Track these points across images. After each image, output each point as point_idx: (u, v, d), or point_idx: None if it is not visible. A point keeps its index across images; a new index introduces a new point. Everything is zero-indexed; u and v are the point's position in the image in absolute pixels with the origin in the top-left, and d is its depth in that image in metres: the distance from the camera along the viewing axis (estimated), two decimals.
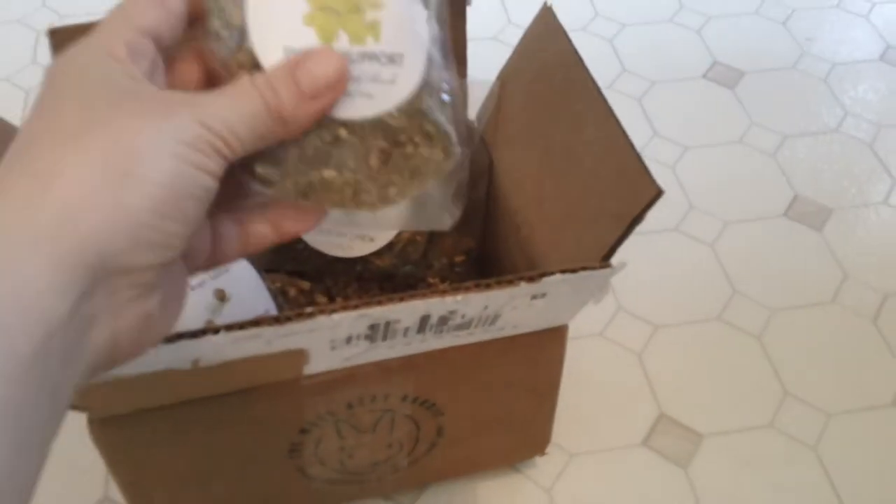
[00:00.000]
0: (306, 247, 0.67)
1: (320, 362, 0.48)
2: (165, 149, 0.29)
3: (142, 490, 0.56)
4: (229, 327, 0.40)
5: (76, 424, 0.47)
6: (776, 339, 0.79)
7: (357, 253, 0.68)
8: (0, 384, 0.24)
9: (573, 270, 0.44)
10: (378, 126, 0.36)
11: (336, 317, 0.41)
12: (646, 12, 1.15)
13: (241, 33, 0.35)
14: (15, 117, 0.89)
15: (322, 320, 0.41)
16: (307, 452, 0.58)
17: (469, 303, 0.44)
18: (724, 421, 0.74)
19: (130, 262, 0.28)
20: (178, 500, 0.58)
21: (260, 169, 0.35)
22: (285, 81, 0.33)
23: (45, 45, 0.99)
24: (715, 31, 1.12)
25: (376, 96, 0.36)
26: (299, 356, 0.46)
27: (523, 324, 0.51)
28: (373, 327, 0.45)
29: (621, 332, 0.80)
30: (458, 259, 0.72)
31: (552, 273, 0.44)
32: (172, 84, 0.34)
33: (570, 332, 0.57)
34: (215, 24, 0.35)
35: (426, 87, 0.37)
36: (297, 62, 0.33)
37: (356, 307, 0.42)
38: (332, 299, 0.70)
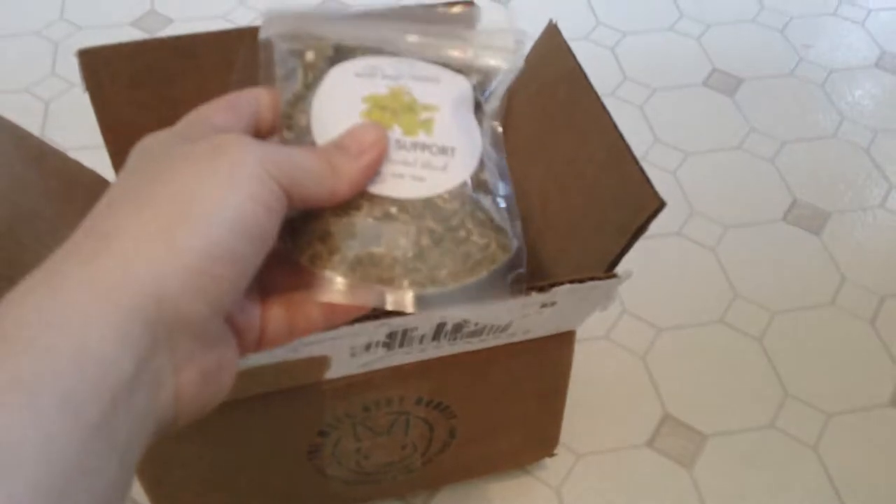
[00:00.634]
0: None
1: (340, 368, 0.50)
2: (222, 182, 0.30)
3: (167, 490, 0.58)
4: None
5: None
6: (777, 341, 0.82)
7: None
8: (70, 451, 0.24)
9: (581, 280, 0.47)
10: (429, 206, 0.37)
11: (357, 326, 0.44)
12: (646, 21, 1.17)
13: (306, 132, 0.38)
14: (35, 126, 0.93)
15: (344, 329, 0.43)
16: (326, 453, 0.60)
17: (481, 311, 0.47)
18: (727, 421, 0.76)
19: (186, 307, 0.29)
20: (202, 499, 0.61)
21: (311, 245, 0.36)
22: (335, 147, 0.35)
23: (63, 57, 1.02)
24: (714, 39, 1.15)
25: (427, 180, 0.37)
26: (322, 362, 0.48)
27: (533, 330, 0.53)
28: (391, 335, 0.47)
29: (626, 334, 0.82)
30: None
31: (561, 283, 0.46)
32: None
33: (577, 335, 0.60)
34: (284, 133, 0.38)
35: (479, 183, 0.38)
36: (344, 134, 0.36)
37: (377, 317, 0.44)
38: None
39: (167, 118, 0.52)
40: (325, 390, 0.54)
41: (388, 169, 0.37)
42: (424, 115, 0.38)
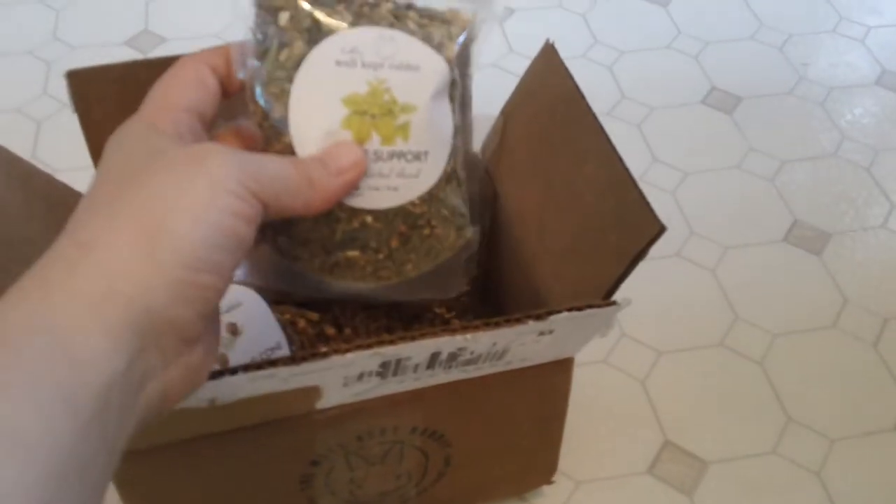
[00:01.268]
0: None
1: (332, 398, 0.49)
2: (201, 197, 0.30)
3: None
4: (246, 367, 0.41)
5: None
6: (778, 365, 0.80)
7: None
8: (68, 442, 0.26)
9: (579, 308, 0.45)
10: (400, 213, 0.40)
11: (350, 356, 0.42)
12: (644, 39, 1.16)
13: (283, 125, 0.38)
14: (26, 147, 0.92)
15: (336, 359, 0.42)
16: (318, 483, 0.59)
17: (478, 340, 0.45)
18: (728, 448, 0.74)
19: (174, 315, 0.30)
20: None
21: (291, 249, 0.38)
22: (315, 161, 0.37)
23: (56, 76, 1.01)
24: (712, 57, 1.14)
25: (401, 189, 0.40)
26: (313, 392, 0.47)
27: (530, 358, 0.52)
28: (384, 365, 0.46)
29: (625, 358, 0.81)
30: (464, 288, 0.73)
31: (559, 311, 0.45)
32: None
33: (576, 359, 0.58)
34: (259, 112, 0.39)
35: (448, 177, 0.42)
36: (325, 151, 0.37)
37: (369, 346, 0.43)
38: (340, 329, 0.70)
39: None
40: (316, 420, 0.52)
41: (365, 182, 0.39)
42: (402, 118, 0.39)
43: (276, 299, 0.67)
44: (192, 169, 0.31)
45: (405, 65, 0.40)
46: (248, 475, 0.56)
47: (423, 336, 0.43)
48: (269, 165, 0.34)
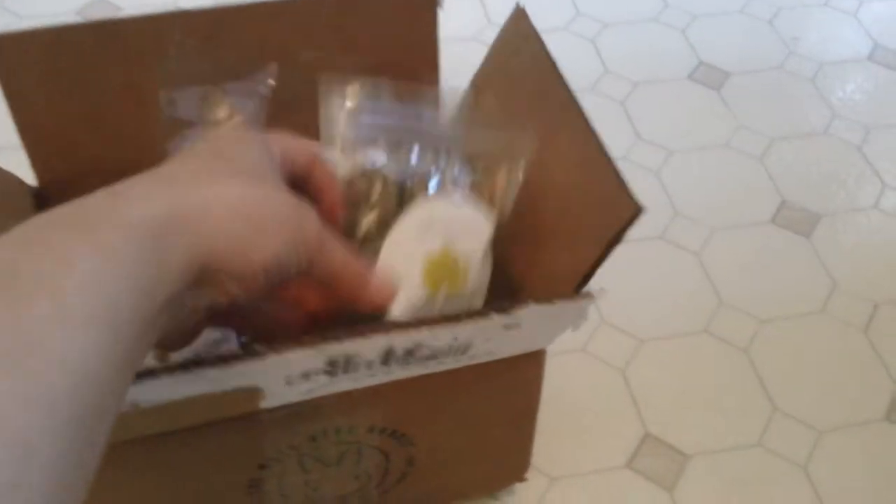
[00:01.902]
0: None
1: (276, 397, 0.45)
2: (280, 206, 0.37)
3: None
4: (170, 369, 0.37)
5: None
6: (764, 352, 0.76)
7: None
8: (131, 331, 0.29)
9: (549, 300, 0.41)
10: None
11: (290, 355, 0.38)
12: (629, 11, 1.12)
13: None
14: None
15: (273, 359, 0.38)
16: (269, 487, 0.54)
17: (437, 336, 0.41)
18: (711, 440, 0.71)
19: (228, 267, 0.34)
20: None
21: None
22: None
23: None
24: (700, 31, 1.09)
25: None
26: (253, 393, 0.43)
27: (498, 351, 0.47)
28: (332, 363, 0.41)
29: (604, 346, 0.76)
30: None
31: (525, 304, 0.41)
32: None
33: (550, 348, 0.54)
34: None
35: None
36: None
37: (312, 344, 0.38)
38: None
39: (89, 115, 0.46)
40: (263, 420, 0.48)
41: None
42: (462, 262, 0.49)
43: None
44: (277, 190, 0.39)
45: (467, 229, 0.50)
46: (186, 481, 0.51)
47: (373, 332, 0.39)
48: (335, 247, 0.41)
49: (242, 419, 0.47)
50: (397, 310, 0.45)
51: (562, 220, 0.50)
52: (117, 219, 0.30)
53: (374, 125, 0.54)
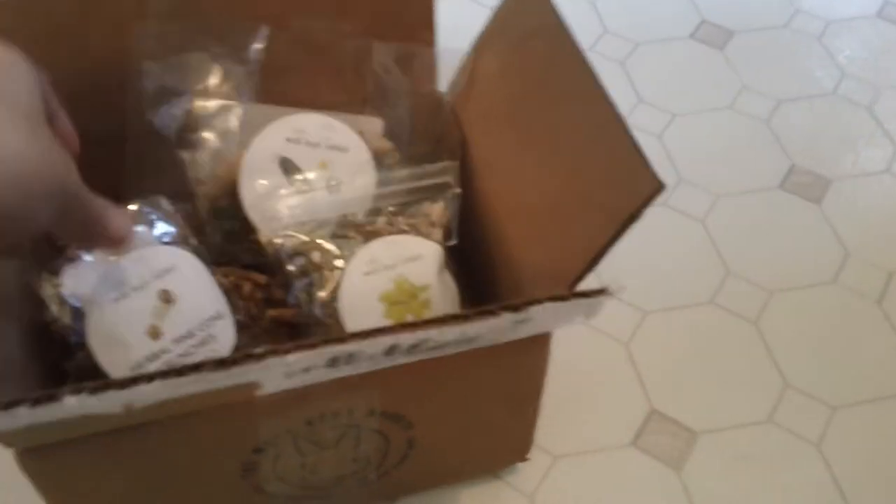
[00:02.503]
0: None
1: (274, 387, 0.42)
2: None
3: None
4: (165, 374, 0.34)
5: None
6: (774, 324, 0.74)
7: None
8: None
9: (563, 298, 0.38)
10: None
11: (291, 357, 0.35)
12: None
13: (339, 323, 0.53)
14: None
15: (274, 361, 0.35)
16: (264, 470, 0.52)
17: (444, 334, 0.38)
18: (720, 416, 0.68)
19: None
20: None
21: None
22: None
23: None
24: None
25: None
26: (250, 387, 0.40)
27: (504, 339, 0.44)
28: (334, 360, 0.38)
29: (607, 319, 0.72)
30: None
31: (539, 301, 0.38)
32: None
33: None
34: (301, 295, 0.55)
35: None
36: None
37: (314, 346, 0.35)
38: (289, 290, 0.63)
39: (68, 86, 0.42)
40: (257, 405, 0.45)
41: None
42: (423, 295, 0.53)
43: (218, 260, 0.60)
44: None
45: (412, 257, 0.54)
46: (179, 467, 0.49)
47: (378, 333, 0.36)
48: None
49: (237, 405, 0.44)
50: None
51: (572, 195, 0.47)
52: None
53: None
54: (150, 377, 0.34)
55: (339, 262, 0.54)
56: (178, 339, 0.52)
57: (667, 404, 0.69)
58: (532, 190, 0.52)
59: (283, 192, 0.55)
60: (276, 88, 0.57)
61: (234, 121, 0.59)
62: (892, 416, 0.69)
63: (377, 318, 0.51)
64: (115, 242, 0.42)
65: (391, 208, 0.57)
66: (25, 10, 0.52)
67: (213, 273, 0.57)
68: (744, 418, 0.68)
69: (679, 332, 0.74)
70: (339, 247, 0.54)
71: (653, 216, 0.79)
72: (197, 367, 0.35)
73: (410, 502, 0.62)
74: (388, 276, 0.53)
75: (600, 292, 0.40)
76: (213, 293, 0.56)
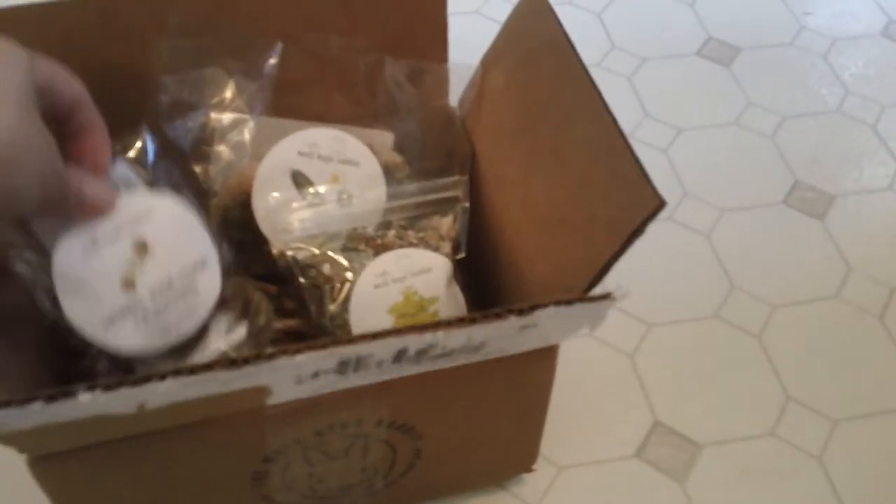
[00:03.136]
0: None
1: (284, 394, 0.43)
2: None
3: None
4: (177, 372, 0.35)
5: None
6: (777, 338, 0.75)
7: None
8: None
9: (568, 302, 0.39)
10: None
11: (300, 358, 0.36)
12: None
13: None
14: None
15: (284, 361, 0.36)
16: (273, 479, 0.53)
17: (452, 337, 0.39)
18: (723, 429, 0.69)
19: None
20: None
21: None
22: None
23: None
24: (709, 5, 1.06)
25: None
26: (261, 391, 0.41)
27: (511, 348, 0.45)
28: (343, 364, 0.39)
29: (612, 332, 0.75)
30: None
31: (545, 305, 0.39)
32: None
33: None
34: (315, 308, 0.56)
35: None
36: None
37: (324, 346, 0.36)
38: (302, 303, 0.64)
39: None
40: (268, 415, 0.46)
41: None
42: (431, 308, 0.55)
43: (228, 270, 0.61)
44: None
45: (421, 270, 0.55)
46: (189, 475, 0.50)
47: (387, 334, 0.37)
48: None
49: (247, 415, 0.45)
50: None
51: (577, 210, 0.48)
52: None
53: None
54: (162, 375, 0.35)
55: (349, 275, 0.55)
56: (155, 291, 0.48)
57: (671, 417, 0.70)
58: (538, 204, 0.52)
59: (294, 204, 0.56)
60: (290, 102, 0.58)
61: (246, 134, 0.60)
62: (894, 429, 0.69)
63: (385, 325, 0.52)
64: (94, 210, 0.45)
65: (401, 222, 0.58)
66: (45, 22, 0.53)
67: (201, 215, 0.52)
68: (747, 431, 0.69)
69: (684, 346, 0.74)
70: (349, 259, 0.55)
71: (658, 230, 0.80)
72: (209, 367, 0.36)
73: None
74: (398, 288, 0.54)
75: (605, 297, 0.41)
76: (196, 236, 0.51)
